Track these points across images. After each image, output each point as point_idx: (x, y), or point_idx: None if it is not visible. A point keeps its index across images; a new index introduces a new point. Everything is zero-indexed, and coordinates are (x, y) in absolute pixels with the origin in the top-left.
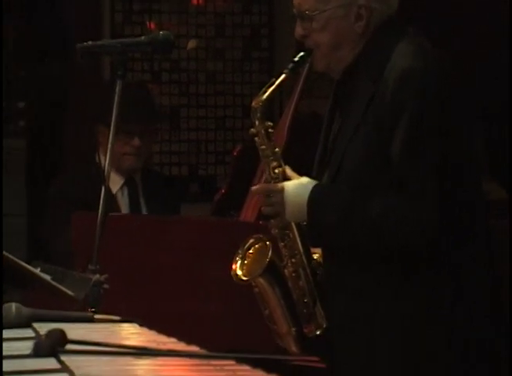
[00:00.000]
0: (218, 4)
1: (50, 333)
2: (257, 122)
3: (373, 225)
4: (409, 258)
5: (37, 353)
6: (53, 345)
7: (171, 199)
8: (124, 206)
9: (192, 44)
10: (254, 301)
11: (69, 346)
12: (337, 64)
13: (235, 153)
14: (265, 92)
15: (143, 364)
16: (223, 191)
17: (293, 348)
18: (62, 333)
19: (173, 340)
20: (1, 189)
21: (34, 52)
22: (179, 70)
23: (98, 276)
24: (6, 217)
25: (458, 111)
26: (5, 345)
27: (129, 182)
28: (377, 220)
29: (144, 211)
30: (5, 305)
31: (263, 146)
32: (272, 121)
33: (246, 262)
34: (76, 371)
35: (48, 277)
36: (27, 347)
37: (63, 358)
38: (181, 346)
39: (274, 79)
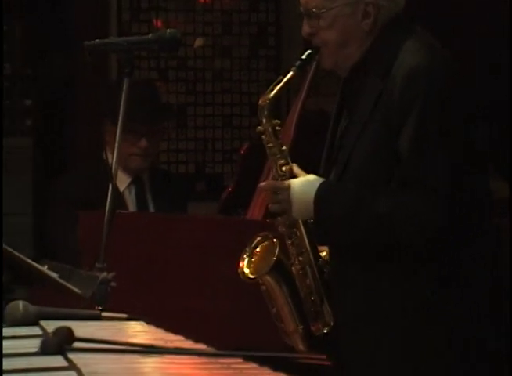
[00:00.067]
0: (224, 2)
1: (57, 331)
2: (264, 120)
3: (379, 222)
4: (415, 256)
5: (44, 351)
6: (60, 343)
7: (178, 197)
8: (132, 204)
9: (199, 42)
10: (261, 300)
11: (76, 344)
12: (345, 62)
13: (242, 152)
14: (272, 89)
15: (150, 362)
16: (230, 189)
17: (301, 347)
18: (69, 331)
19: (180, 338)
20: (0, 188)
21: (40, 51)
22: (186, 68)
23: (105, 274)
24: (12, 216)
25: (465, 109)
26: (12, 342)
27: (136, 181)
28: (384, 218)
29: (151, 210)
30: (13, 303)
31: (270, 144)
32: (279, 119)
33: (253, 259)
34: (83, 369)
35: (55, 275)
36: (34, 345)
37: (71, 356)
38: (188, 344)
39: (281, 77)
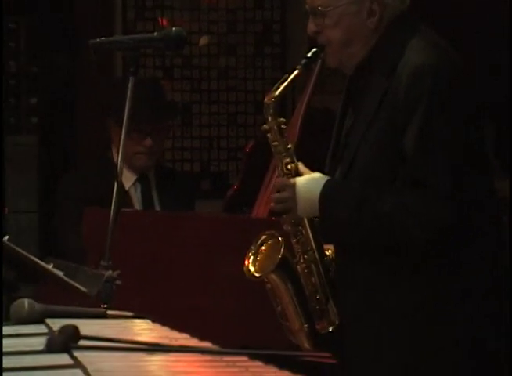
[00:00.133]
0: (229, 0)
1: (63, 329)
2: (269, 118)
3: (384, 220)
4: (419, 254)
5: (50, 349)
6: (66, 341)
7: (184, 195)
8: (137, 202)
9: (204, 40)
10: (266, 298)
11: (82, 342)
12: (350, 60)
13: (247, 150)
14: (278, 88)
15: (156, 360)
16: (235, 187)
17: (306, 345)
18: (75, 329)
19: (185, 336)
20: (1, 186)
21: (45, 49)
22: (191, 66)
23: (110, 272)
24: (18, 214)
25: (470, 108)
26: (17, 340)
27: (142, 179)
28: (389, 216)
29: (157, 207)
30: (18, 301)
31: (276, 143)
32: (284, 118)
33: (258, 258)
34: (89, 367)
35: (60, 273)
36: (39, 343)
37: (76, 354)
38: (193, 342)
39: (287, 75)
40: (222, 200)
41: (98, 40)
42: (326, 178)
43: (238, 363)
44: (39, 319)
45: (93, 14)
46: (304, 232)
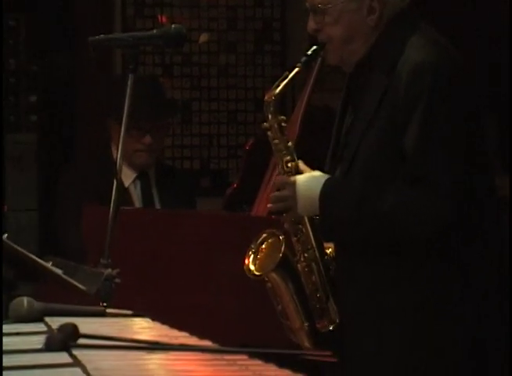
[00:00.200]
0: None
1: (62, 327)
2: (270, 116)
3: (385, 219)
4: (420, 253)
5: (49, 347)
6: (65, 340)
7: (184, 192)
8: (137, 199)
9: (204, 37)
10: (267, 296)
11: (81, 341)
12: (350, 57)
13: (247, 147)
14: (278, 85)
15: (155, 358)
16: (235, 185)
17: (306, 344)
18: (74, 327)
19: (185, 334)
20: (1, 184)
21: (45, 46)
22: (191, 63)
23: (110, 270)
24: (18, 212)
25: (470, 106)
26: (16, 339)
27: (142, 176)
28: (389, 214)
29: (157, 204)
30: (17, 300)
31: (276, 141)
32: (284, 115)
33: (258, 256)
34: (88, 366)
35: (59, 271)
36: (38, 341)
37: (75, 352)
38: (193, 341)
39: (287, 73)
40: (222, 198)
41: (97, 37)
42: (326, 176)
43: (238, 362)
44: (38, 318)
45: (93, 11)
46: (304, 230)
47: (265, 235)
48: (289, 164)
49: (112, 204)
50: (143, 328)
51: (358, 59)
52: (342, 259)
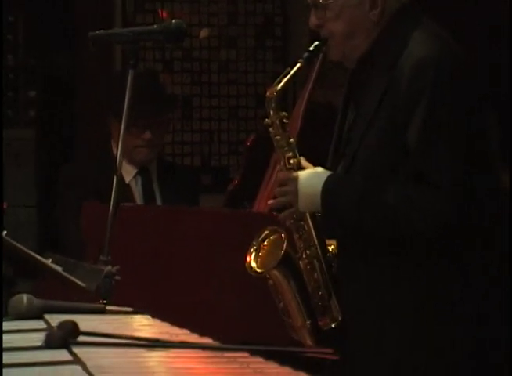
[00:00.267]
0: None
1: (62, 324)
2: (271, 112)
3: (387, 215)
4: (420, 253)
5: (48, 345)
6: (65, 337)
7: (184, 188)
8: (138, 195)
9: (204, 33)
10: (268, 293)
11: (81, 338)
12: (352, 53)
13: (248, 144)
14: (280, 81)
15: (155, 356)
16: (236, 182)
17: (308, 342)
18: (74, 324)
19: (185, 332)
20: (1, 180)
21: (44, 42)
22: (191, 59)
23: (110, 267)
24: (16, 208)
25: (472, 99)
26: (16, 336)
27: (142, 172)
28: (392, 210)
29: (158, 200)
30: (17, 297)
31: (278, 137)
32: (285, 112)
33: (260, 253)
34: (88, 363)
35: (59, 268)
36: (38, 338)
37: (75, 350)
38: (193, 338)
39: (289, 68)
40: (223, 195)
41: (97, 33)
42: (328, 172)
43: (239, 359)
44: (38, 315)
45: (92, 7)
46: (306, 227)
47: (266, 232)
48: (291, 161)
49: (112, 201)
50: (143, 325)
51: (360, 55)
52: (343, 258)
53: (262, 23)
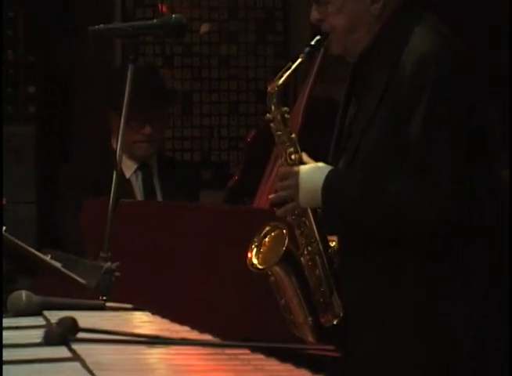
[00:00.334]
0: None
1: (61, 321)
2: (273, 107)
3: (388, 210)
4: (420, 252)
5: (48, 342)
6: (64, 334)
7: (185, 184)
8: (139, 190)
9: (204, 28)
10: (269, 290)
11: (80, 335)
12: (354, 47)
13: (248, 139)
14: (281, 76)
15: (155, 353)
16: (236, 177)
17: (310, 338)
18: (73, 321)
19: (186, 328)
20: (1, 176)
21: (44, 37)
22: (192, 54)
23: (109, 263)
24: (16, 204)
25: (472, 95)
26: (15, 333)
27: (143, 167)
28: (393, 206)
29: (158, 195)
30: (16, 293)
31: (279, 132)
32: (286, 107)
33: (261, 250)
34: (87, 360)
35: (58, 265)
36: (37, 335)
37: (74, 346)
38: (194, 335)
39: (290, 63)
40: (223, 191)
41: (97, 27)
42: (329, 167)
43: (239, 356)
44: (37, 312)
45: (92, 2)
46: (307, 223)
47: (268, 228)
48: (292, 156)
49: (111, 196)
50: (143, 322)
51: (361, 50)
52: (344, 255)
53: (263, 18)
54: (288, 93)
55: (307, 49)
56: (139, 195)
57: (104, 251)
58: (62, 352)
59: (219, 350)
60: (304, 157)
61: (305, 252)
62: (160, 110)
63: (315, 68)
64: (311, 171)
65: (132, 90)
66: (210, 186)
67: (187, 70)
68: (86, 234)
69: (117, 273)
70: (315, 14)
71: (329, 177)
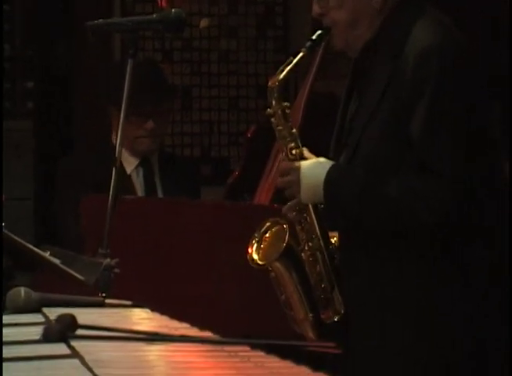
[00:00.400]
0: None
1: (60, 318)
2: (273, 102)
3: (392, 204)
4: (423, 244)
5: (46, 338)
6: (63, 331)
7: (185, 180)
8: (139, 186)
9: (204, 22)
10: (270, 286)
11: (79, 331)
12: (355, 42)
13: (248, 135)
14: (282, 71)
15: (155, 350)
16: (236, 173)
17: (311, 335)
18: (72, 318)
19: (185, 325)
20: (1, 172)
21: (41, 31)
22: (191, 48)
23: (108, 260)
24: (14, 200)
25: (475, 88)
26: (14, 330)
27: (144, 163)
28: (396, 200)
29: (159, 191)
30: (14, 290)
31: (280, 127)
32: (287, 102)
33: (262, 245)
34: (86, 357)
35: (57, 261)
36: (36, 332)
37: (73, 343)
38: (193, 332)
39: (291, 58)
40: (223, 187)
41: (96, 22)
42: (330, 162)
43: (239, 353)
44: (36, 308)
45: None
46: (308, 219)
47: (268, 224)
48: (293, 151)
49: (111, 193)
50: (143, 319)
51: (363, 44)
52: (345, 251)
53: (263, 13)
54: (289, 88)
55: (308, 44)
56: (140, 191)
57: (103, 248)
58: (61, 348)
59: (219, 347)
60: (305, 152)
61: (306, 248)
62: (161, 104)
63: (317, 63)
64: (313, 166)
65: (133, 84)
66: (210, 182)
67: (187, 65)
68: (85, 230)
69: (116, 270)
70: (316, 8)
71: (330, 172)
